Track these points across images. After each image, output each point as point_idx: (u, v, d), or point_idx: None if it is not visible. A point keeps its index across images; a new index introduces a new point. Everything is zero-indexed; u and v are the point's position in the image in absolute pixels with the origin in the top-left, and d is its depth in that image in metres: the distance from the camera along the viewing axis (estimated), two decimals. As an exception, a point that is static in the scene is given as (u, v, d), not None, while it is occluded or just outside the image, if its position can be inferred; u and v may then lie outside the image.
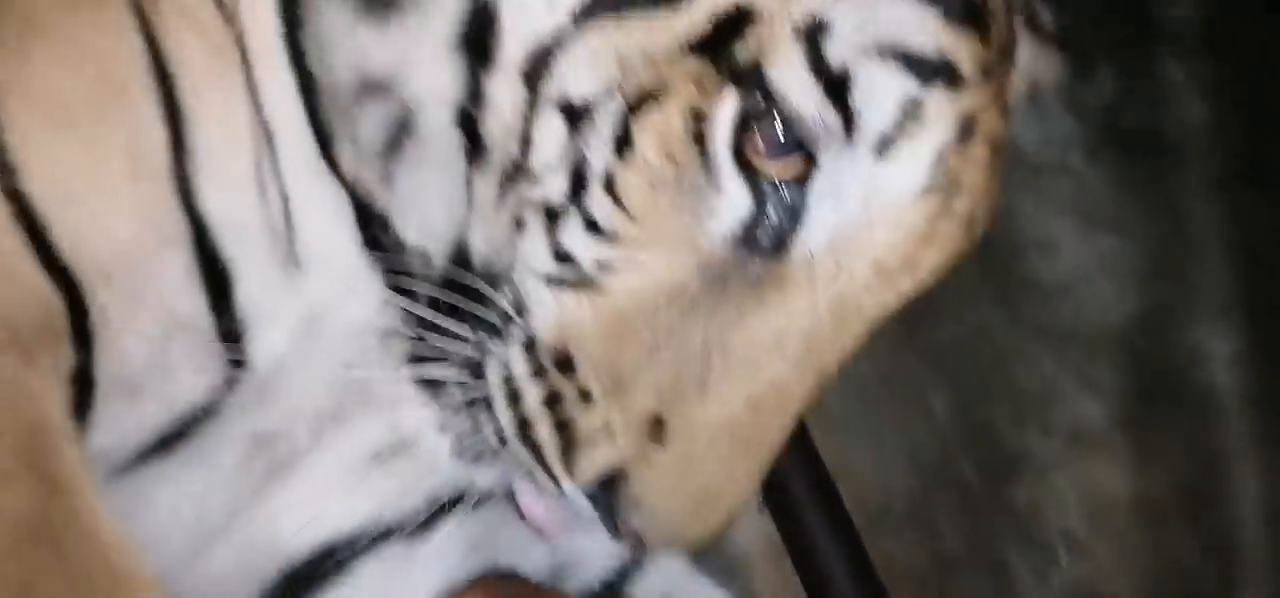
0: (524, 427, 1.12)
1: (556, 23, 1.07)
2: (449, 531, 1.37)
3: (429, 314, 1.17)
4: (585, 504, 1.14)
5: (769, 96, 1.04)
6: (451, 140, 1.14)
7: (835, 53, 1.03)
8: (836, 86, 1.03)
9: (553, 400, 1.10)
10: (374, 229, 1.21)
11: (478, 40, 1.10)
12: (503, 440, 1.14)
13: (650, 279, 1.08)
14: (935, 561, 1.95)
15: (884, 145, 1.05)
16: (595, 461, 1.10)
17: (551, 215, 1.10)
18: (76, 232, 1.11)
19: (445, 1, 1.11)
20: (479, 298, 1.15)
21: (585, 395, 1.09)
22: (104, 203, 1.12)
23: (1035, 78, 1.26)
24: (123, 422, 1.18)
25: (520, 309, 1.12)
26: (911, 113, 1.05)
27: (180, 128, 1.14)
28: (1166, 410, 2.16)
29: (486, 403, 1.15)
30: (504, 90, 1.10)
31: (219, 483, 1.26)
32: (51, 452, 1.05)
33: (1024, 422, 2.11)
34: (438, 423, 1.21)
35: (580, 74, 1.07)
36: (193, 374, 1.19)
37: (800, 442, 1.57)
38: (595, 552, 1.46)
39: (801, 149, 1.05)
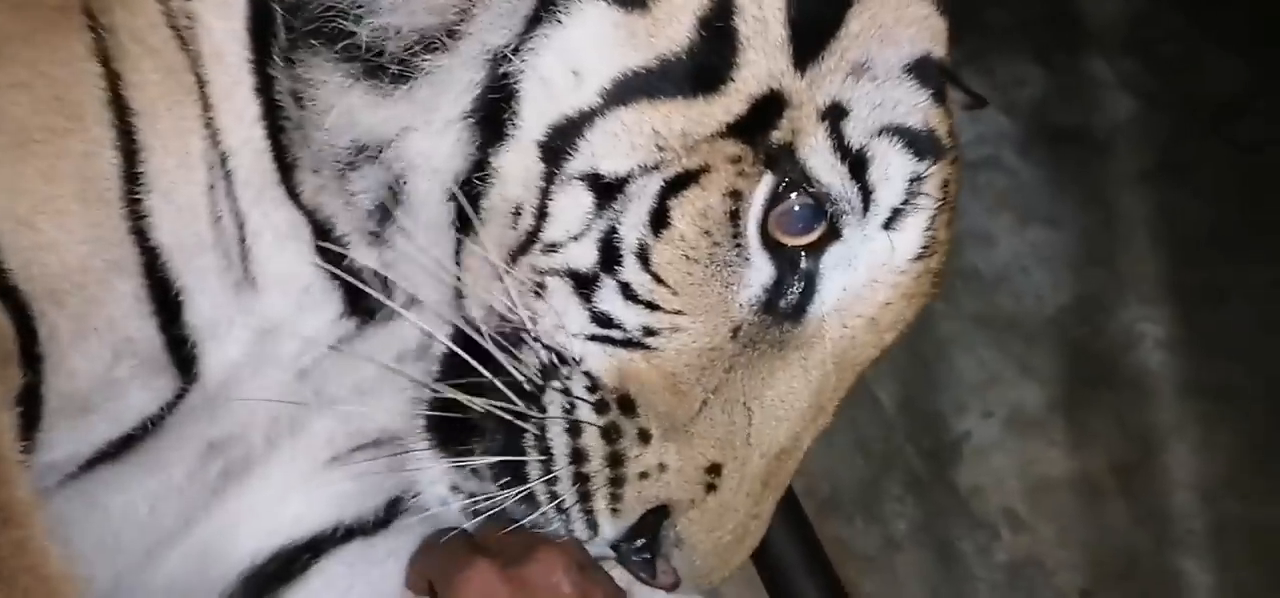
0: (577, 457, 1.14)
1: (583, 101, 1.10)
2: (407, 528, 1.38)
3: (472, 362, 1.16)
4: (612, 551, 1.19)
5: (803, 176, 1.09)
6: (443, 212, 1.16)
7: (853, 135, 1.10)
8: (856, 166, 1.10)
9: (610, 435, 1.13)
10: (333, 252, 1.22)
11: (491, 116, 1.12)
12: (549, 476, 1.15)
13: (694, 342, 1.13)
14: (884, 543, 2.01)
15: (893, 218, 1.13)
16: (644, 495, 1.14)
17: (581, 281, 1.13)
18: (27, 255, 1.11)
19: (463, 78, 1.12)
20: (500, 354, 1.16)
21: (644, 436, 1.13)
22: (54, 228, 1.12)
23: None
24: (71, 437, 1.18)
25: (561, 361, 1.14)
26: (915, 188, 1.12)
27: (133, 156, 1.14)
28: (1101, 392, 2.23)
29: (536, 439, 1.15)
30: (517, 164, 1.12)
31: (172, 488, 1.26)
32: (2, 481, 1.04)
33: (965, 408, 2.18)
34: (451, 482, 1.21)
35: (611, 151, 1.10)
36: (141, 391, 1.18)
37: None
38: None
39: (818, 225, 1.11)
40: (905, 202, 1.12)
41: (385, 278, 1.25)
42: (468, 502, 1.19)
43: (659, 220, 1.10)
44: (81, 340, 1.13)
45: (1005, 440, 2.15)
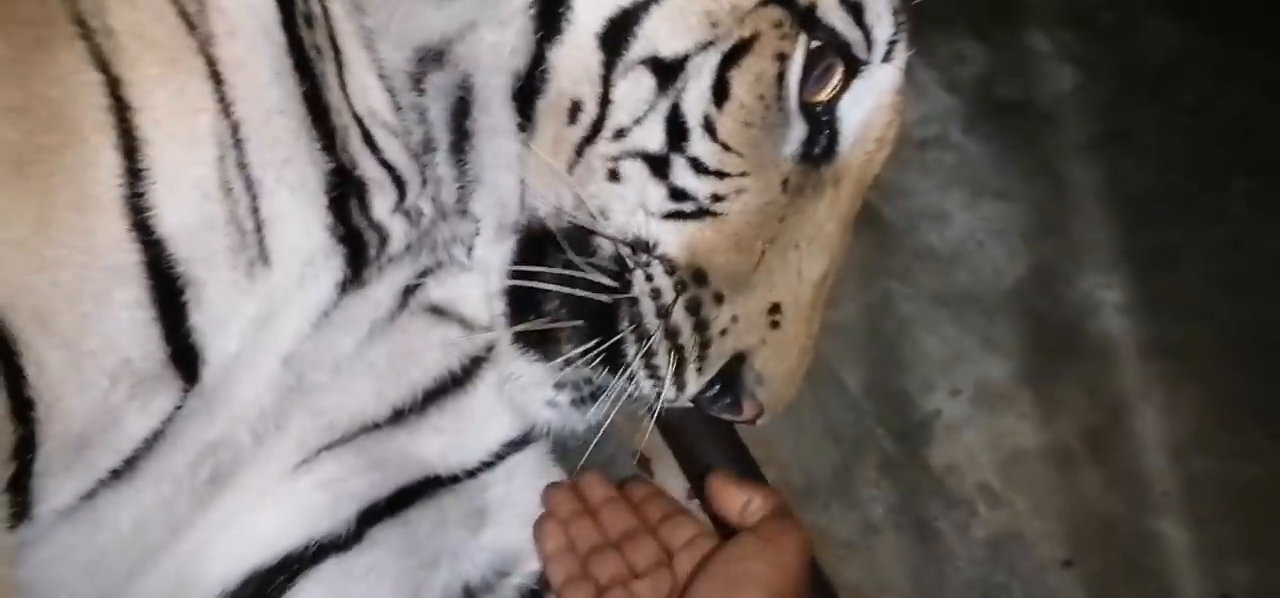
0: (671, 333, 1.24)
1: None
2: (381, 542, 1.35)
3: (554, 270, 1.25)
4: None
5: (828, 31, 1.22)
6: (507, 112, 1.22)
7: None
8: (856, 13, 1.23)
9: (692, 308, 1.24)
10: (350, 206, 1.24)
11: (548, 10, 1.19)
12: (648, 352, 1.24)
13: (755, 200, 1.23)
14: (862, 528, 1.98)
15: (888, 51, 1.26)
16: (722, 349, 1.26)
17: (655, 161, 1.22)
18: (17, 280, 1.06)
19: None
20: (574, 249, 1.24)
21: (718, 299, 1.24)
22: (46, 244, 1.07)
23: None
24: (70, 479, 1.14)
25: (640, 244, 1.23)
26: (899, 21, 1.26)
27: (134, 152, 1.11)
28: (1065, 361, 2.23)
29: (630, 321, 1.24)
30: (574, 57, 1.20)
31: (161, 501, 1.23)
32: None
33: (933, 386, 2.17)
34: (552, 380, 1.29)
35: (670, 34, 1.19)
36: (140, 413, 1.15)
37: (729, 437, 1.60)
38: (531, 551, 1.46)
39: (837, 76, 1.24)
40: (895, 34, 1.26)
41: (382, 234, 1.28)
42: (574, 396, 1.29)
43: (721, 92, 1.20)
44: (74, 371, 1.09)
45: (975, 416, 2.13)
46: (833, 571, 1.78)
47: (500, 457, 1.45)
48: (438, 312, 1.38)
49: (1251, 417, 2.16)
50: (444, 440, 1.39)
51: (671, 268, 1.23)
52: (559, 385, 1.29)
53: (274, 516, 1.29)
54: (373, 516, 1.34)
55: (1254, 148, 2.56)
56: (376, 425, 1.34)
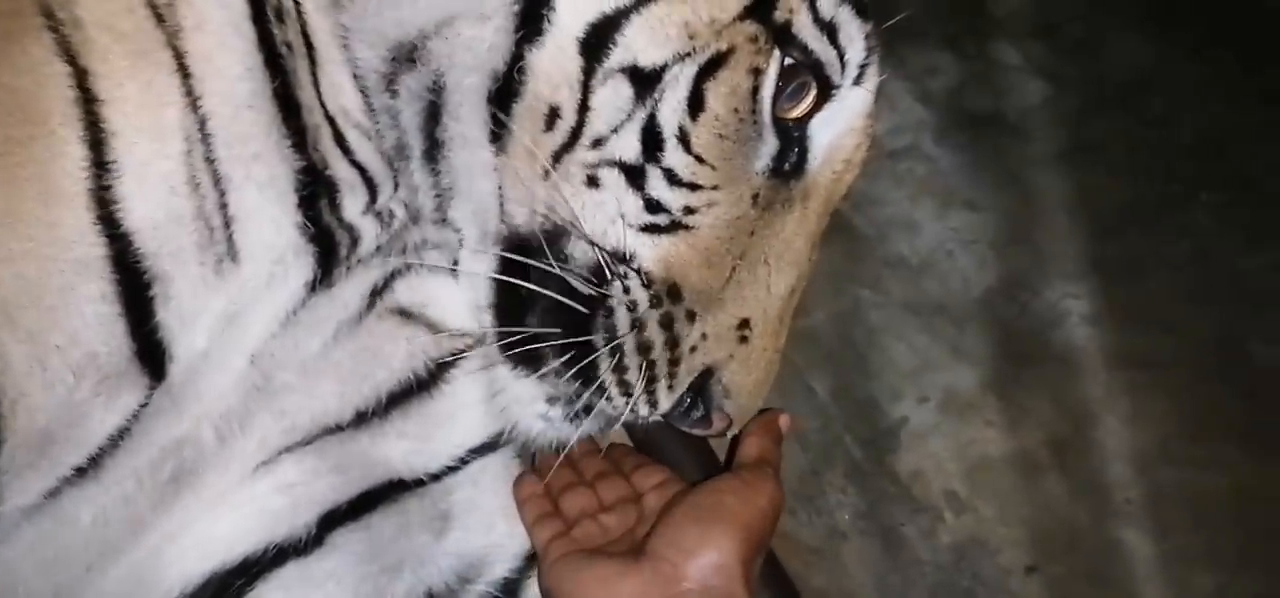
0: (644, 349, 1.25)
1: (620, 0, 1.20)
2: (341, 546, 1.35)
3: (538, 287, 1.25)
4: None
5: (802, 49, 1.24)
6: (481, 115, 1.23)
7: (823, 8, 1.26)
8: (830, 34, 1.26)
9: (666, 324, 1.26)
10: (320, 206, 1.24)
11: (530, 9, 1.20)
12: (620, 367, 1.26)
13: (726, 214, 1.25)
14: (828, 534, 1.99)
15: (860, 74, 1.30)
16: (692, 366, 1.28)
17: (631, 172, 1.23)
18: None
19: None
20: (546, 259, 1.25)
21: (691, 316, 1.26)
22: (12, 238, 1.07)
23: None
24: (34, 476, 1.14)
25: (618, 255, 1.25)
26: (870, 45, 1.30)
27: (101, 145, 1.11)
28: (1031, 370, 2.24)
29: (605, 335, 1.25)
30: (554, 62, 1.21)
31: (122, 498, 1.23)
32: None
33: (900, 394, 2.18)
34: (545, 395, 1.30)
35: (649, 44, 1.20)
36: (105, 410, 1.16)
37: (697, 443, 1.61)
38: (498, 554, 1.46)
39: (809, 95, 1.27)
40: (866, 58, 1.29)
41: (353, 234, 1.28)
42: (565, 409, 1.30)
43: (696, 104, 1.21)
44: (39, 366, 1.09)
45: (942, 423, 2.14)
46: (799, 576, 1.80)
47: (465, 461, 1.46)
48: (405, 315, 1.39)
49: (1216, 428, 2.18)
50: (407, 444, 1.39)
51: (648, 281, 1.25)
52: (552, 400, 1.30)
53: (233, 518, 1.29)
54: (334, 519, 1.34)
55: (1221, 162, 2.58)
56: (339, 428, 1.34)
